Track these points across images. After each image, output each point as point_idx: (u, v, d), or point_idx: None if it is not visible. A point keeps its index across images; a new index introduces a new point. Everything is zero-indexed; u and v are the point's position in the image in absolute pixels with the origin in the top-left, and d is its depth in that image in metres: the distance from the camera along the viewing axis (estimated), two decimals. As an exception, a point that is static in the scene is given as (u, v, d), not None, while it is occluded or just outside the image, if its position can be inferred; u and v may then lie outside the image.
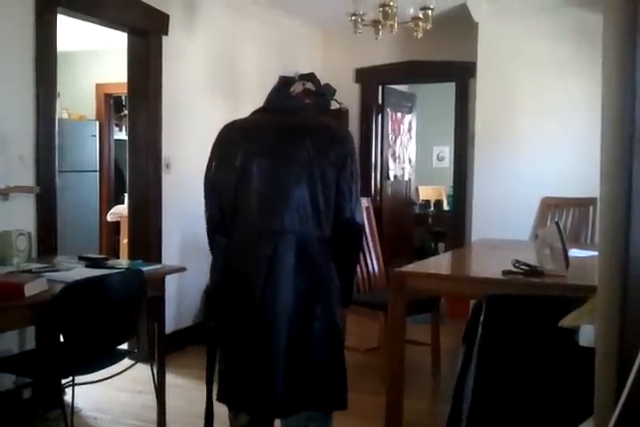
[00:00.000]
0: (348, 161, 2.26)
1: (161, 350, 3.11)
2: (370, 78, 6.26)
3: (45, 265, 2.92)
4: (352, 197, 2.28)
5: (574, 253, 3.05)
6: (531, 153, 5.02)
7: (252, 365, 2.20)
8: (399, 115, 7.04)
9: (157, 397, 3.07)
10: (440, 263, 3.61)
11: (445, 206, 8.11)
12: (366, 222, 3.97)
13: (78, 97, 6.79)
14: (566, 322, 1.49)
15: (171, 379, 3.35)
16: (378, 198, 6.44)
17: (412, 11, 4.09)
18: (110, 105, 7.08)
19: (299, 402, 2.21)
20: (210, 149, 2.40)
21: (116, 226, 6.45)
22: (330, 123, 2.38)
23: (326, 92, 2.48)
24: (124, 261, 3.53)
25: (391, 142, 6.83)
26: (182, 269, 3.26)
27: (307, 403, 2.23)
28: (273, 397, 2.17)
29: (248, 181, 2.24)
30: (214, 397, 2.33)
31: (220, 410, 2.38)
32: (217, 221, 2.36)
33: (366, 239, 4.09)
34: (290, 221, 2.18)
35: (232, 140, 2.32)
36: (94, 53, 6.52)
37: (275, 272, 2.16)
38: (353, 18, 4.14)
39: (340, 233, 2.31)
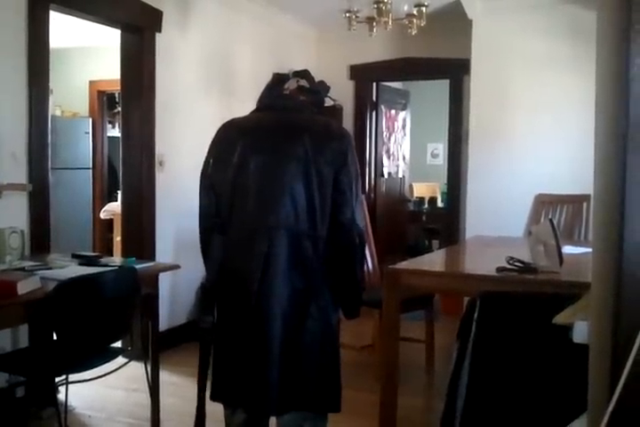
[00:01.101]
0: (348, 159, 2.24)
1: (155, 348, 3.10)
2: (364, 75, 6.25)
3: (38, 263, 2.91)
4: (352, 196, 2.24)
5: (568, 249, 3.06)
6: (525, 150, 5.02)
7: (247, 361, 2.19)
8: (393, 112, 7.03)
9: (151, 395, 3.07)
10: (434, 260, 3.61)
11: (439, 203, 8.13)
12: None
13: (71, 94, 6.76)
14: (560, 319, 1.49)
15: (165, 377, 3.35)
16: (372, 195, 6.44)
17: (406, 8, 4.10)
18: (103, 102, 7.04)
19: (291, 401, 2.21)
20: (203, 146, 2.39)
21: (109, 224, 6.43)
22: (328, 121, 2.37)
23: (320, 89, 2.47)
24: (117, 259, 3.53)
25: (385, 139, 6.83)
26: (176, 267, 3.26)
27: (299, 403, 2.23)
28: (268, 393, 2.17)
29: (245, 177, 2.23)
30: (207, 396, 2.32)
31: (214, 409, 2.38)
32: (212, 218, 2.35)
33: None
34: (284, 217, 2.18)
35: (230, 138, 2.31)
36: (87, 50, 6.49)
37: (270, 268, 2.16)
38: (347, 15, 4.14)
39: (340, 236, 2.25)
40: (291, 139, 2.23)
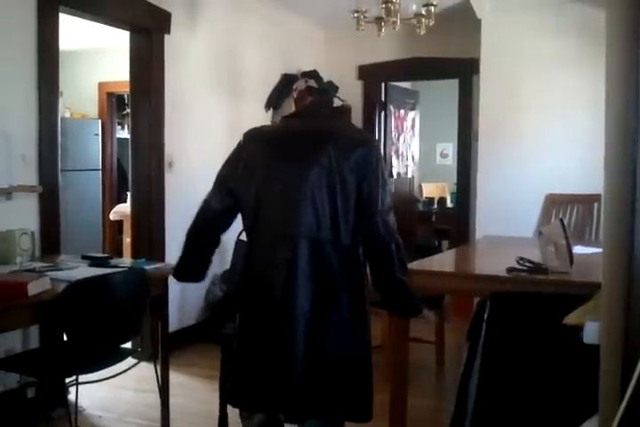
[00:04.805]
0: (373, 166, 2.22)
1: (164, 349, 3.11)
2: (373, 75, 6.24)
3: (48, 264, 2.92)
4: (382, 204, 2.24)
5: (578, 249, 3.04)
6: (534, 149, 5.00)
7: (270, 367, 2.18)
8: (402, 112, 7.02)
9: (161, 395, 3.07)
10: (444, 261, 3.60)
11: (449, 204, 8.09)
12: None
13: (81, 96, 6.79)
14: (571, 319, 1.49)
15: (174, 377, 3.35)
16: (381, 196, 6.43)
17: (414, 7, 4.09)
18: (113, 103, 7.07)
19: (314, 408, 2.19)
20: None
21: (119, 225, 6.46)
22: (354, 128, 2.39)
23: (329, 90, 2.48)
24: (127, 260, 3.53)
25: (394, 139, 6.82)
26: (185, 268, 3.25)
27: (322, 410, 2.20)
28: (291, 399, 2.16)
29: (270, 185, 2.23)
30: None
31: (230, 410, 2.37)
32: (213, 215, 2.35)
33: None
34: (307, 225, 2.17)
35: (256, 145, 2.31)
36: (96, 52, 6.51)
37: (293, 275, 2.16)
38: (355, 15, 4.13)
39: (377, 247, 2.27)
40: (316, 147, 2.22)
